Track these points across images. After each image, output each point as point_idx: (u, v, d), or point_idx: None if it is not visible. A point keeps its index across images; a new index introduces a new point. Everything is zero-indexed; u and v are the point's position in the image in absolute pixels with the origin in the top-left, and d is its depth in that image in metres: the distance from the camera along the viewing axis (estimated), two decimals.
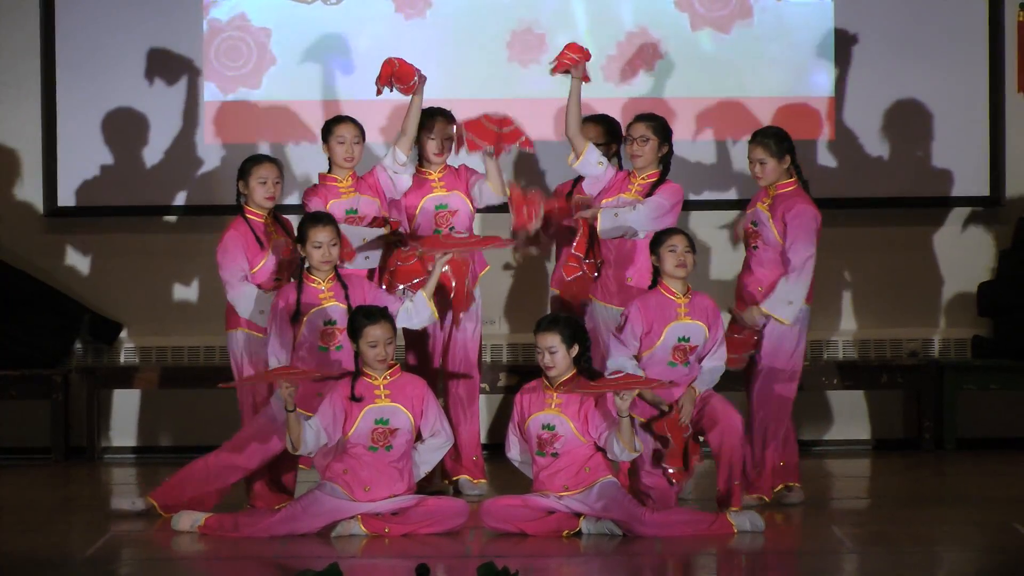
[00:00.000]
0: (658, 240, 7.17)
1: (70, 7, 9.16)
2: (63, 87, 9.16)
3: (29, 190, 9.17)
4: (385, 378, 6.91)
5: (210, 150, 8.81)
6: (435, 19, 9.16)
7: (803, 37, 9.23)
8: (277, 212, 7.59)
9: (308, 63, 9.19)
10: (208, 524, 6.92)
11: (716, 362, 7.28)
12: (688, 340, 7.06)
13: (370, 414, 6.85)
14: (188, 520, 6.95)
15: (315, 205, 7.65)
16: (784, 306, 7.32)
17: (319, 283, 7.22)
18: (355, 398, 6.90)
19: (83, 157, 9.11)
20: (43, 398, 8.77)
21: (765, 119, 8.86)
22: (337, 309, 7.25)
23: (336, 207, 7.62)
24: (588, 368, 6.86)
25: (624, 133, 7.67)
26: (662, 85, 9.23)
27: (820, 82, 9.26)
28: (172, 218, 9.03)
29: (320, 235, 7.17)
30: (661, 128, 7.59)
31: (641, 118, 7.60)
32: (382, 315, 6.99)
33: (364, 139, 7.69)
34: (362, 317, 6.99)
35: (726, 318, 7.44)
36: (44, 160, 9.14)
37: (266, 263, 7.43)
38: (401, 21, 9.12)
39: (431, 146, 7.75)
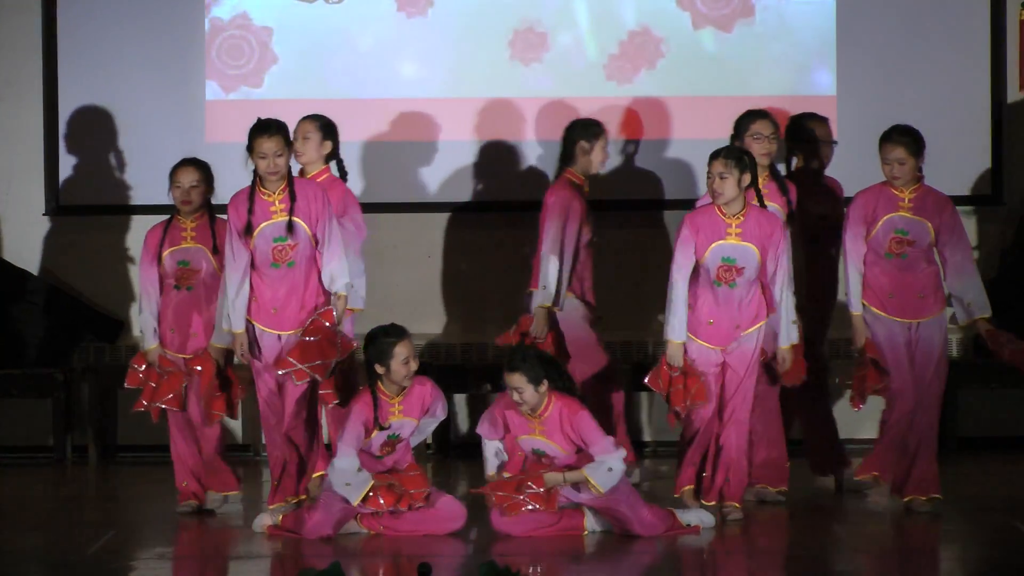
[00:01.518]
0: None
1: (71, 7, 9.17)
2: (65, 86, 9.18)
3: (31, 189, 9.20)
4: (401, 395, 6.95)
5: (212, 149, 8.59)
6: (437, 17, 9.17)
7: (805, 36, 9.24)
8: (212, 213, 7.44)
9: (310, 62, 9.21)
10: (283, 522, 6.97)
11: (788, 297, 7.06)
12: (734, 261, 6.95)
13: (383, 432, 6.92)
14: (264, 520, 6.99)
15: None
16: (986, 306, 7.26)
17: (270, 195, 7.08)
18: (382, 426, 6.89)
19: (85, 156, 9.12)
20: (45, 397, 8.79)
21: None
22: (288, 224, 7.13)
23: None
24: (568, 388, 6.91)
25: (780, 132, 7.59)
26: (664, 84, 9.24)
27: (822, 81, 9.25)
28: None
29: (265, 145, 7.01)
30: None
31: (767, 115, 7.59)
32: (403, 330, 6.97)
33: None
34: (384, 336, 6.94)
35: None
36: (46, 159, 9.20)
37: (163, 268, 7.32)
38: (403, 20, 9.15)
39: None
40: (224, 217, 7.43)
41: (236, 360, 7.49)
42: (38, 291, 9.05)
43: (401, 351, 6.84)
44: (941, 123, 8.73)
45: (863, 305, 7.29)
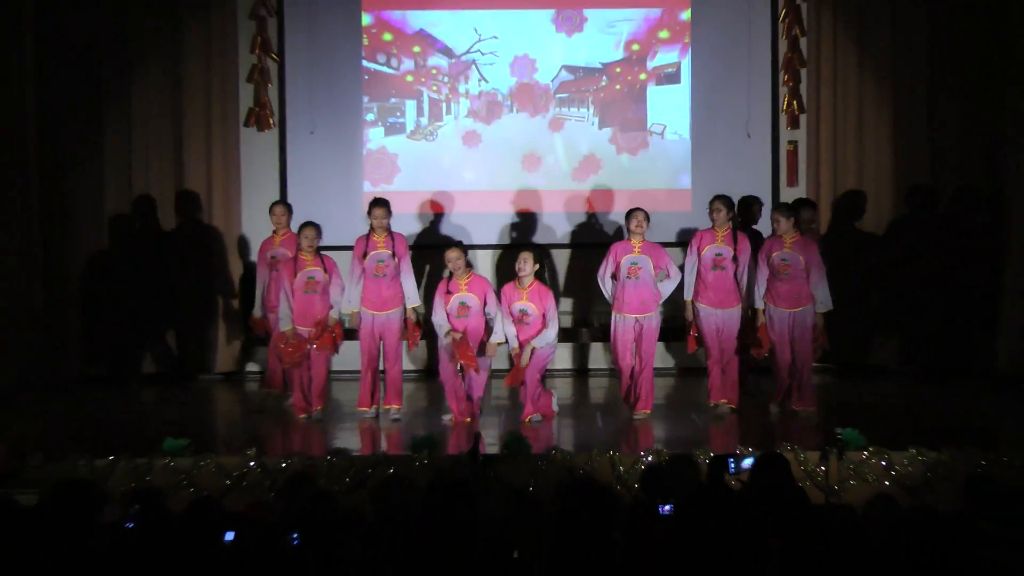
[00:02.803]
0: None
1: (295, 144, 12.03)
2: (290, 180, 12.10)
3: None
4: (465, 279, 8.95)
5: (365, 220, 10.28)
6: (485, 148, 12.08)
7: (675, 157, 12.06)
8: (321, 253, 9.27)
9: (417, 171, 12.05)
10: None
11: (665, 285, 8.97)
12: (637, 264, 8.99)
13: (456, 299, 9.00)
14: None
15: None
16: (822, 305, 9.03)
17: (377, 237, 9.09)
18: (448, 292, 8.90)
19: (295, 222, 10.67)
20: (262, 344, 10.94)
21: (660, 202, 11.49)
22: (384, 253, 9.08)
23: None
24: (542, 279, 8.93)
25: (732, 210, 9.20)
26: (603, 184, 12.03)
27: (684, 181, 11.99)
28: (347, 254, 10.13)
29: (376, 212, 9.07)
30: (731, 203, 9.47)
31: (718, 199, 9.21)
32: (456, 244, 8.97)
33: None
34: (448, 248, 8.87)
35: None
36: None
37: (295, 282, 8.98)
38: (466, 149, 12.13)
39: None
40: (328, 254, 9.50)
41: (347, 326, 9.35)
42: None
43: (450, 255, 8.91)
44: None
45: (764, 302, 9.18)
